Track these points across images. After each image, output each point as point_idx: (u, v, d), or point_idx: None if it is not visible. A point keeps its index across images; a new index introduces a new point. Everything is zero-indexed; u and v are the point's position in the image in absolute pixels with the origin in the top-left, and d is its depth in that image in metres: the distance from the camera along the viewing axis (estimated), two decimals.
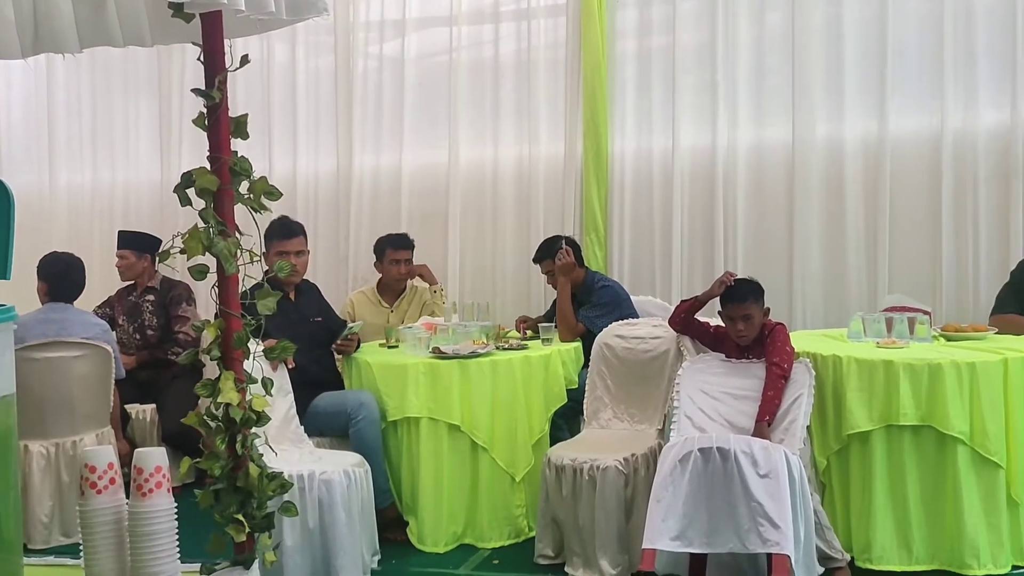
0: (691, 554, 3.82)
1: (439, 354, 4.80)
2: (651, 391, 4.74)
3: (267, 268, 3.96)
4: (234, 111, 3.15)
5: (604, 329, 4.98)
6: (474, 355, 4.79)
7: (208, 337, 3.14)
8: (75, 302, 5.23)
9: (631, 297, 5.65)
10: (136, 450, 3.16)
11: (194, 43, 3.10)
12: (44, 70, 7.56)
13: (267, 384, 3.20)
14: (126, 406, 5.58)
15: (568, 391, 5.01)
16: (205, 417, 3.11)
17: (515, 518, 4.77)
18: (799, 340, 4.48)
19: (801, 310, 5.99)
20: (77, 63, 7.23)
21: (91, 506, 3.08)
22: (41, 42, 3.01)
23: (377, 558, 4.50)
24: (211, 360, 3.13)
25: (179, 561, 3.09)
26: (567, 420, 5.18)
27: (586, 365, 5.02)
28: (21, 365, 4.83)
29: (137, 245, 6.09)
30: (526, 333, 5.52)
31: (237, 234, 3.11)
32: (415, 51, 6.89)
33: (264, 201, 3.14)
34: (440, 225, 6.76)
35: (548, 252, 5.58)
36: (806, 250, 6.00)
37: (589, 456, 4.29)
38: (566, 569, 4.32)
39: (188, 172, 3.05)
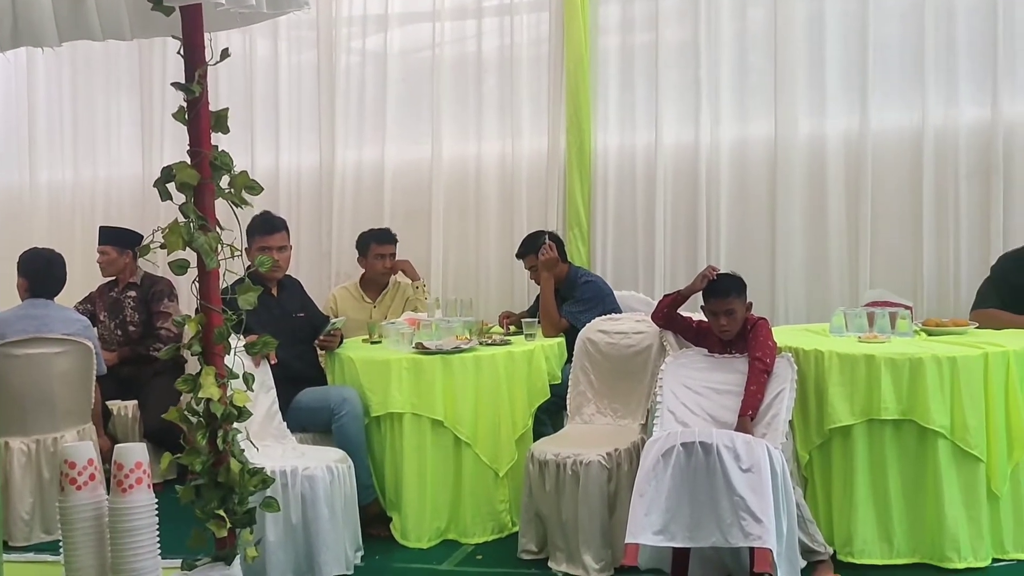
0: (674, 548, 3.83)
1: (422, 349, 4.80)
2: (634, 386, 4.74)
3: (249, 263, 3.95)
4: (216, 106, 3.14)
5: (587, 324, 4.98)
6: (457, 350, 4.78)
7: (189, 332, 3.13)
8: (56, 298, 5.20)
9: (614, 292, 5.65)
10: (116, 446, 3.15)
11: (174, 37, 3.08)
12: (24, 65, 7.53)
13: (248, 379, 3.19)
14: (108, 402, 5.56)
15: (551, 386, 5.01)
16: (186, 412, 3.10)
17: (498, 513, 4.77)
18: (781, 335, 4.49)
19: (783, 305, 6.01)
20: (58, 58, 7.22)
21: (71, 502, 3.06)
22: (20, 35, 2.99)
23: (360, 554, 4.49)
24: (192, 355, 3.12)
25: (160, 557, 3.07)
26: (550, 415, 5.18)
27: (569, 360, 5.03)
28: (1, 361, 4.85)
29: (119, 241, 6.06)
30: (509, 328, 5.51)
31: (218, 229, 3.09)
32: (398, 46, 6.88)
33: (246, 196, 3.13)
34: (423, 220, 6.76)
35: (531, 247, 5.58)
36: (788, 245, 6.02)
37: (572, 451, 4.29)
38: (549, 564, 4.33)
39: (168, 166, 3.04)
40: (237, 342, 3.28)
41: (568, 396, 4.88)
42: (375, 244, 6.07)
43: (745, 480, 3.62)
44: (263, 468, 3.28)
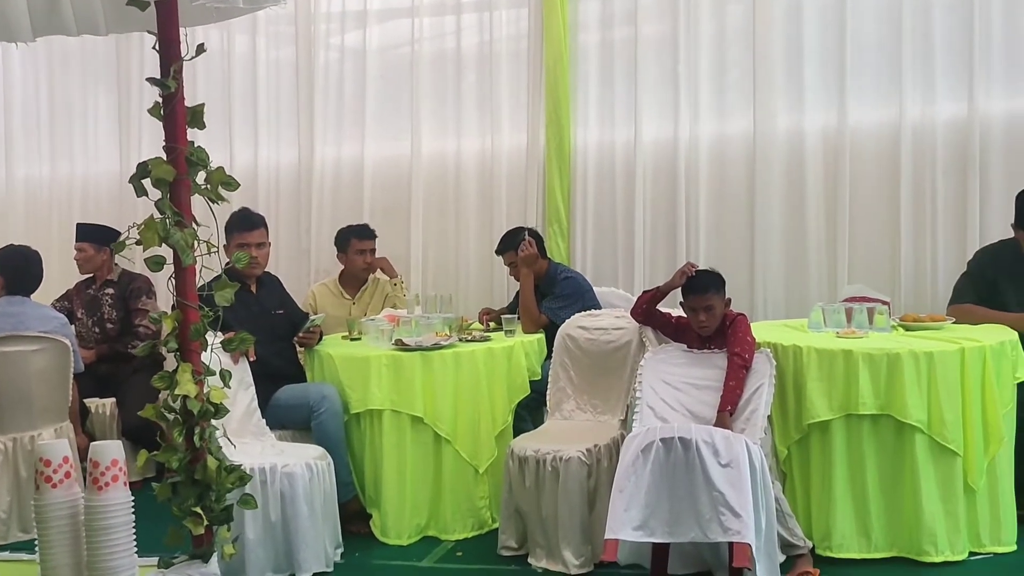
0: (654, 544, 3.83)
1: (402, 346, 4.79)
2: (614, 382, 4.75)
3: (228, 260, 3.92)
4: (195, 102, 3.11)
5: (567, 320, 4.98)
6: (437, 347, 4.77)
7: (166, 329, 3.11)
8: (33, 295, 5.17)
9: (594, 288, 5.65)
10: (92, 443, 3.12)
11: (149, 32, 3.06)
12: (0, 60, 7.46)
13: (225, 376, 3.17)
14: (86, 400, 5.53)
15: (531, 382, 5.01)
16: (163, 410, 3.08)
17: (478, 510, 4.77)
18: (760, 330, 4.50)
19: (762, 300, 6.04)
20: (34, 53, 7.17)
21: (46, 500, 3.04)
22: None
23: (340, 551, 4.48)
24: (168, 352, 3.10)
25: (136, 555, 3.05)
26: (530, 411, 5.18)
27: (549, 356, 5.03)
28: None
29: (96, 238, 6.02)
30: (489, 325, 5.51)
31: (194, 225, 3.08)
32: (377, 42, 6.87)
33: (224, 193, 3.11)
34: (402, 217, 6.75)
35: (511, 244, 5.57)
36: (767, 241, 6.05)
37: (552, 447, 4.29)
38: (529, 560, 4.33)
39: (144, 162, 3.02)
40: (214, 339, 3.26)
41: (548, 392, 4.88)
42: (355, 239, 6.05)
43: (724, 475, 3.63)
44: (240, 465, 3.27)
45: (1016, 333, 4.42)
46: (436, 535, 4.73)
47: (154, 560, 3.16)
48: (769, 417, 4.10)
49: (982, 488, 4.18)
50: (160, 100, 3.04)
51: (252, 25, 6.94)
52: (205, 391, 3.10)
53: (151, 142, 6.98)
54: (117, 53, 7.23)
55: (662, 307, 4.61)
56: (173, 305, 3.13)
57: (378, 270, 6.15)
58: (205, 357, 3.17)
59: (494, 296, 6.45)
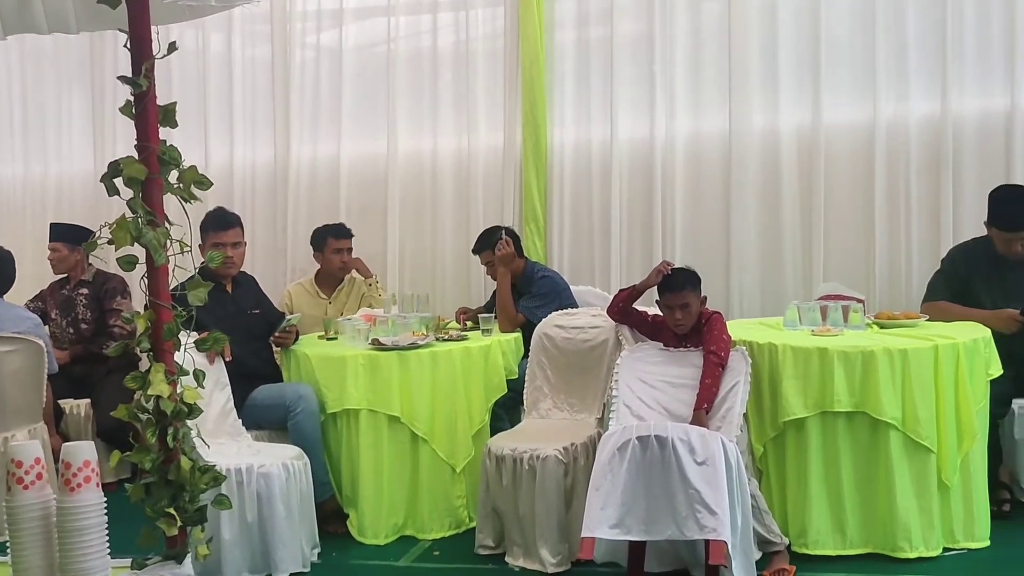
0: (630, 542, 3.84)
1: (378, 346, 4.78)
2: (590, 380, 4.75)
3: (202, 259, 3.90)
4: (170, 100, 3.09)
5: (544, 319, 4.98)
6: (414, 346, 4.77)
7: (139, 329, 3.08)
8: (6, 296, 5.13)
9: (570, 287, 5.66)
10: (63, 444, 3.10)
11: (121, 30, 3.04)
12: None
13: (199, 376, 3.15)
14: (60, 401, 5.49)
15: (508, 381, 5.01)
16: (136, 410, 3.06)
17: (455, 509, 4.77)
18: (736, 328, 4.52)
19: (738, 299, 6.06)
20: (6, 52, 7.10)
21: (17, 502, 3.00)
22: None
23: (317, 551, 4.47)
24: (141, 352, 3.08)
25: (109, 556, 3.03)
26: (507, 410, 5.18)
27: (526, 355, 5.03)
28: None
29: (70, 237, 5.97)
30: (466, 324, 5.50)
31: (167, 224, 3.06)
32: (353, 41, 6.85)
33: (200, 192, 3.09)
34: (379, 216, 6.73)
35: (488, 243, 5.57)
36: (742, 239, 6.07)
37: (529, 446, 4.29)
38: (507, 559, 4.33)
39: (115, 161, 2.99)
40: (188, 338, 3.24)
41: (525, 391, 4.89)
42: (332, 238, 6.04)
43: (700, 473, 3.64)
44: (214, 465, 3.25)
45: (989, 330, 4.45)
46: (413, 534, 4.72)
47: (127, 561, 3.13)
48: (745, 415, 4.11)
49: (956, 484, 4.21)
50: (132, 99, 3.02)
51: (228, 23, 6.91)
52: (178, 391, 3.08)
53: (125, 142, 6.90)
54: (91, 52, 7.18)
55: (638, 305, 4.62)
56: (146, 305, 3.10)
57: (353, 270, 6.14)
58: (178, 357, 3.15)
59: (471, 295, 6.45)
